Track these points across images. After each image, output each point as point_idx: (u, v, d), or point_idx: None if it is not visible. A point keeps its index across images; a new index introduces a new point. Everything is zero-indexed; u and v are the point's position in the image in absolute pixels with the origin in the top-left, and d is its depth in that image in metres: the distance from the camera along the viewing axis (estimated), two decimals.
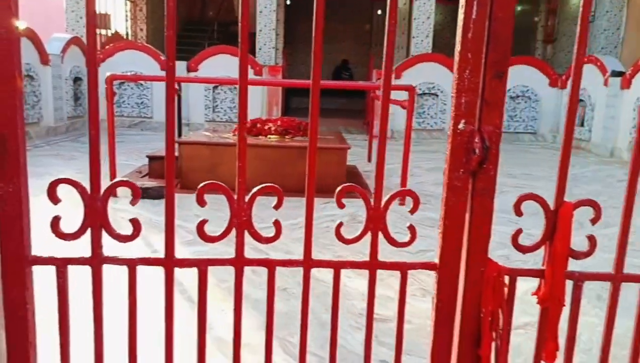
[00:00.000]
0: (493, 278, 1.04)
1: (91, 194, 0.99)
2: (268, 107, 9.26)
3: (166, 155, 1.03)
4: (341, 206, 1.04)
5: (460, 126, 0.99)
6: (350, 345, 2.04)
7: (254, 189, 1.02)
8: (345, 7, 14.97)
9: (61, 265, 1.03)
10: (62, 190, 1.00)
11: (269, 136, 5.02)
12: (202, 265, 1.07)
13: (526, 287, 1.25)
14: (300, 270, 1.08)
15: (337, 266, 1.08)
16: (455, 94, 0.99)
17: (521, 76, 8.95)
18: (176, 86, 5.84)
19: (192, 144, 4.77)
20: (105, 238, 1.03)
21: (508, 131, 9.25)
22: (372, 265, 1.08)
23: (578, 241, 1.09)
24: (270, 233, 1.04)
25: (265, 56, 9.56)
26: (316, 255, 1.07)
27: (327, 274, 2.51)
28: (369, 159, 6.49)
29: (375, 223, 1.05)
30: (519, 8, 13.81)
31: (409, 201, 1.08)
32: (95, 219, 1.00)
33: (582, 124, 8.36)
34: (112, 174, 4.09)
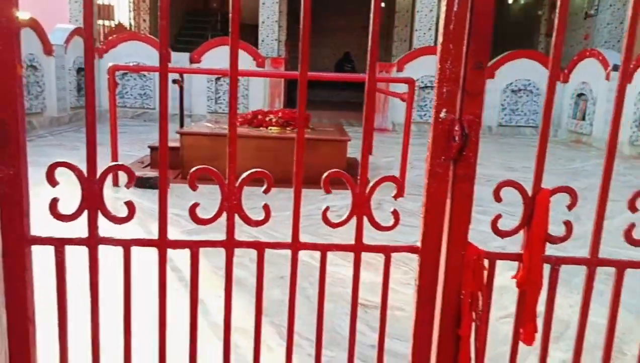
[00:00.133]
0: (473, 261, 1.08)
1: (88, 178, 1.04)
2: (270, 99, 9.29)
3: (160, 139, 1.07)
4: (327, 190, 1.09)
5: (442, 114, 1.03)
6: (344, 331, 2.09)
7: (244, 175, 1.07)
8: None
9: (59, 245, 1.08)
10: (62, 177, 1.04)
11: (269, 127, 5.06)
12: (194, 247, 1.12)
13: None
14: (300, 260, 1.12)
15: (323, 249, 1.13)
16: (437, 84, 1.03)
17: (523, 70, 8.95)
18: (178, 78, 5.85)
19: (193, 135, 4.81)
20: (106, 227, 1.08)
21: (510, 125, 9.27)
22: (357, 248, 1.13)
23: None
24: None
25: (268, 48, 9.58)
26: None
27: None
28: (370, 152, 6.52)
29: (360, 207, 1.10)
30: (522, 1, 13.76)
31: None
32: (92, 201, 1.05)
33: (583, 118, 8.37)
34: None
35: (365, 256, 1.13)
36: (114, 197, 3.75)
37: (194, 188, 1.06)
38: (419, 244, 1.11)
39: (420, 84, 8.97)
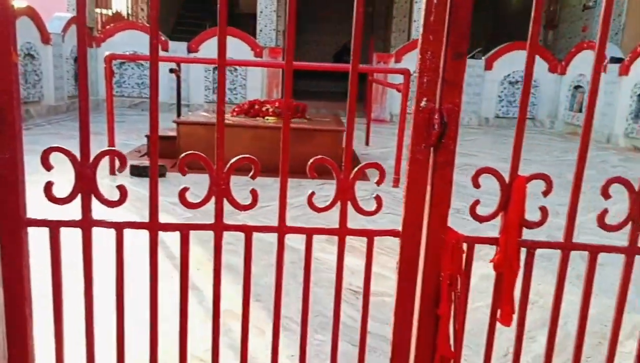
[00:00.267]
0: (452, 244, 1.13)
1: (81, 162, 1.08)
2: (268, 89, 9.31)
3: (150, 126, 1.11)
4: (313, 176, 1.13)
5: (422, 103, 1.07)
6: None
7: (232, 160, 1.11)
8: None
9: (54, 227, 1.12)
10: (58, 165, 1.08)
11: (266, 117, 5.09)
12: (184, 229, 1.16)
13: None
14: (292, 248, 1.17)
15: (309, 232, 1.17)
16: (418, 74, 1.07)
17: (521, 62, 8.91)
18: (175, 67, 5.85)
19: (190, 124, 4.85)
20: (101, 213, 1.12)
21: (507, 117, 9.30)
22: (342, 232, 1.17)
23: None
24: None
25: (266, 38, 9.58)
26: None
27: (318, 252, 2.61)
28: (367, 143, 6.56)
29: (344, 193, 1.14)
30: None
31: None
32: (85, 185, 1.09)
33: (580, 110, 8.40)
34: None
35: (359, 245, 1.17)
36: (110, 185, 3.80)
37: (183, 172, 1.10)
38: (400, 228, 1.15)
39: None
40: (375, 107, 8.92)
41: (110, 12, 11.79)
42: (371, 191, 3.84)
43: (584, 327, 1.23)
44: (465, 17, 1.04)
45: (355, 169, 1.14)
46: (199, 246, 2.64)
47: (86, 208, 1.11)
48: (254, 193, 1.14)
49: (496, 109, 9.35)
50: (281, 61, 9.12)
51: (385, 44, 13.45)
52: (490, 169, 1.12)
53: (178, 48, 9.00)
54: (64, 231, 1.14)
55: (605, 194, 1.13)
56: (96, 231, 1.14)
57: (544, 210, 1.14)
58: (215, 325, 1.21)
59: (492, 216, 1.14)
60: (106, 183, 3.83)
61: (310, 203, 1.15)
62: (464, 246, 1.15)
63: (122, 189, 1.12)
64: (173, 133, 4.85)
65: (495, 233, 1.17)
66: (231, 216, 1.22)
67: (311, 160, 1.13)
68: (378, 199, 1.16)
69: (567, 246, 1.16)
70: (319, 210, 1.15)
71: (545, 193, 1.12)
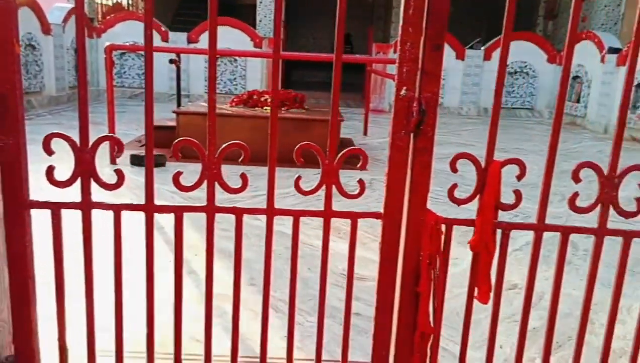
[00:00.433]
0: (431, 226, 1.19)
1: (80, 147, 1.15)
2: (268, 80, 9.34)
3: (145, 114, 1.17)
4: (299, 161, 1.19)
5: (402, 92, 1.13)
6: (329, 301, 2.21)
7: (223, 145, 1.17)
8: None
9: (56, 209, 1.19)
10: (59, 153, 1.15)
11: (264, 107, 5.14)
12: (178, 212, 1.23)
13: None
14: (287, 234, 1.23)
15: (296, 214, 1.24)
16: (398, 64, 1.13)
17: (520, 52, 8.98)
18: (175, 57, 5.87)
19: (189, 114, 4.90)
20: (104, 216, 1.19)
21: (505, 107, 9.33)
22: (327, 214, 1.24)
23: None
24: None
25: (266, 28, 9.60)
26: (308, 222, 1.23)
27: (314, 239, 2.67)
28: (365, 133, 6.61)
29: (329, 177, 1.21)
30: None
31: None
32: (84, 169, 1.16)
33: (578, 100, 8.43)
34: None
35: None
36: (111, 174, 3.86)
37: (177, 157, 1.17)
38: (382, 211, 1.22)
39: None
40: (374, 98, 8.96)
41: (110, 3, 11.80)
42: (369, 180, 3.90)
43: (556, 303, 1.29)
44: (444, 11, 1.09)
45: (340, 154, 1.20)
46: (197, 233, 2.70)
47: (85, 191, 1.18)
48: (243, 177, 1.20)
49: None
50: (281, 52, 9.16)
51: (384, 34, 13.44)
52: (466, 155, 1.18)
53: (178, 38, 9.03)
54: (65, 214, 1.21)
55: (576, 178, 1.19)
56: (98, 232, 1.21)
57: (517, 193, 1.20)
58: (207, 304, 1.28)
59: (469, 199, 1.20)
60: (107, 171, 3.89)
61: (297, 187, 1.22)
62: (443, 227, 1.21)
63: (119, 173, 1.18)
64: (173, 123, 4.90)
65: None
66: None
67: (297, 146, 1.20)
68: (361, 183, 1.23)
69: (539, 227, 1.22)
70: (305, 193, 1.22)
71: (519, 177, 1.19)
